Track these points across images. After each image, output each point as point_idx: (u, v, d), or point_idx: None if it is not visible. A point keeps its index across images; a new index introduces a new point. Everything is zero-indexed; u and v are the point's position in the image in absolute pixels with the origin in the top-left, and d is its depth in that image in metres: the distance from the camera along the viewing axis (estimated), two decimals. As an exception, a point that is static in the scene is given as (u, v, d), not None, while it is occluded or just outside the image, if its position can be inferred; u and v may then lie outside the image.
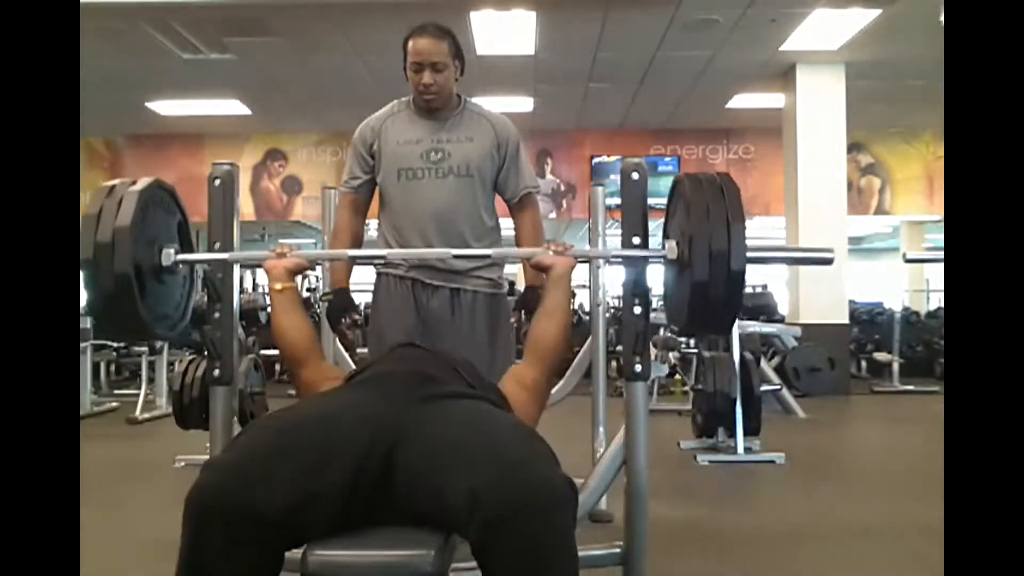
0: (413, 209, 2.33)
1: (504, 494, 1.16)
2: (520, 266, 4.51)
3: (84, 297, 1.63)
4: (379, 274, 2.45)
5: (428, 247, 2.32)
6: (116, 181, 1.71)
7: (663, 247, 1.71)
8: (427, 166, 2.32)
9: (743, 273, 1.57)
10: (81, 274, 1.58)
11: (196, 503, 1.18)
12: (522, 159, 2.44)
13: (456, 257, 2.23)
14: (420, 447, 1.30)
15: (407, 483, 1.29)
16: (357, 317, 2.46)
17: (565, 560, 1.19)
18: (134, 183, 1.69)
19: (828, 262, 1.91)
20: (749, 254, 1.57)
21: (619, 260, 1.78)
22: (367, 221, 2.51)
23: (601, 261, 3.26)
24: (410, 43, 2.28)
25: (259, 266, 1.86)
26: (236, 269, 1.89)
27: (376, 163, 2.39)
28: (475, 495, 1.17)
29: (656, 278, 1.80)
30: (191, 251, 1.82)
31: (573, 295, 2.34)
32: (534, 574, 1.16)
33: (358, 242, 2.47)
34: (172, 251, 1.72)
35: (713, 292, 1.57)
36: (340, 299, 2.42)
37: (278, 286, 1.78)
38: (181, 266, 1.77)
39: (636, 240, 1.73)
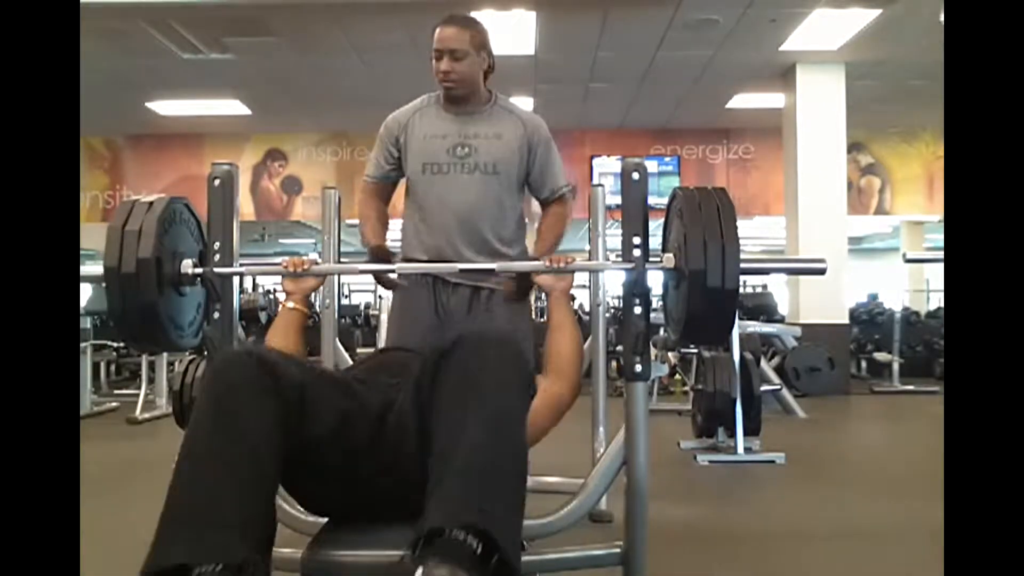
0: (437, 203, 2.32)
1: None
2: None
3: (84, 298, 1.66)
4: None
5: (449, 243, 2.31)
6: (139, 197, 1.79)
7: (662, 251, 1.73)
8: (453, 161, 2.31)
9: (736, 288, 1.62)
10: (105, 282, 1.64)
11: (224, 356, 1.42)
12: (554, 159, 2.42)
13: (462, 271, 2.21)
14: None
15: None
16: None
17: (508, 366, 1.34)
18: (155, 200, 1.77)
19: (821, 272, 1.93)
20: (743, 266, 1.62)
21: (619, 270, 1.78)
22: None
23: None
24: (435, 32, 2.29)
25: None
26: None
27: (402, 156, 2.38)
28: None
29: (656, 279, 1.80)
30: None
31: (573, 298, 2.35)
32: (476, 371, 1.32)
33: (384, 220, 2.44)
34: (191, 263, 1.77)
35: (708, 306, 1.61)
36: (379, 255, 2.32)
37: (291, 304, 1.86)
38: (199, 280, 1.80)
39: (636, 240, 1.73)
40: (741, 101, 8.37)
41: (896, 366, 7.81)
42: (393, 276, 2.30)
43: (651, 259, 1.73)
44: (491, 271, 2.19)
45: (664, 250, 1.78)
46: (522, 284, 2.28)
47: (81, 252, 1.56)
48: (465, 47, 2.28)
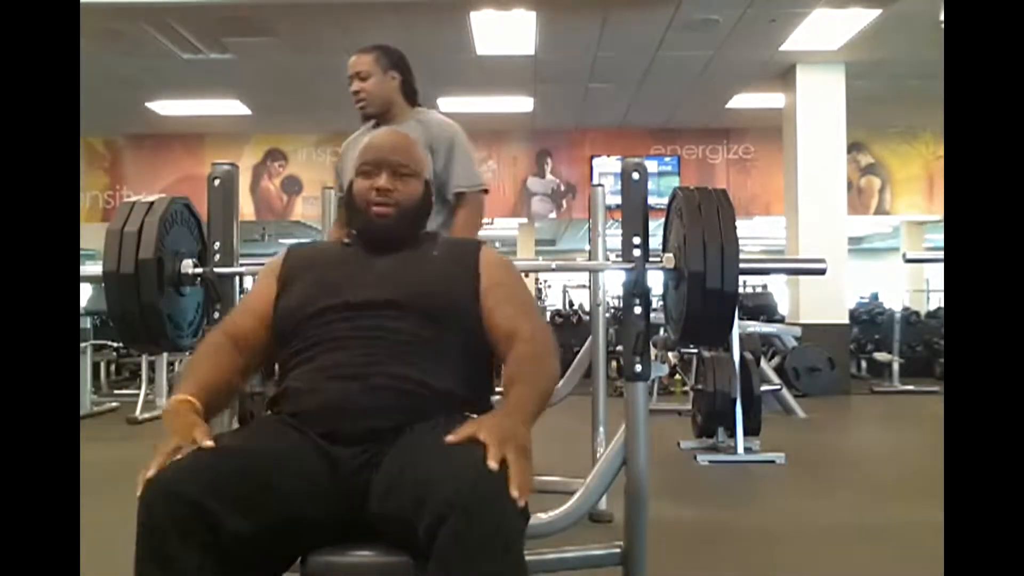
0: None
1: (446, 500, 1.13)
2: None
3: (84, 298, 1.66)
4: None
5: None
6: (139, 198, 1.80)
7: (662, 251, 1.75)
8: None
9: (736, 289, 1.64)
10: (105, 283, 1.65)
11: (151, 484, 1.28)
12: (458, 160, 2.52)
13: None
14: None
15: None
16: None
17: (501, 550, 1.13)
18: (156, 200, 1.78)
19: (821, 272, 1.94)
20: (743, 266, 1.64)
21: (619, 270, 1.77)
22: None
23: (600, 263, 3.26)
24: None
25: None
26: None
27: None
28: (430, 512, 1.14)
29: (656, 279, 1.80)
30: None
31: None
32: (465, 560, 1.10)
33: None
34: (191, 263, 1.79)
35: (707, 306, 1.63)
36: None
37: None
38: (199, 280, 1.81)
39: (636, 240, 1.73)
40: (741, 101, 8.37)
41: (896, 366, 7.82)
42: None
43: (651, 259, 1.73)
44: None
45: (664, 250, 1.79)
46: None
47: (81, 252, 1.56)
48: (368, 68, 2.49)
